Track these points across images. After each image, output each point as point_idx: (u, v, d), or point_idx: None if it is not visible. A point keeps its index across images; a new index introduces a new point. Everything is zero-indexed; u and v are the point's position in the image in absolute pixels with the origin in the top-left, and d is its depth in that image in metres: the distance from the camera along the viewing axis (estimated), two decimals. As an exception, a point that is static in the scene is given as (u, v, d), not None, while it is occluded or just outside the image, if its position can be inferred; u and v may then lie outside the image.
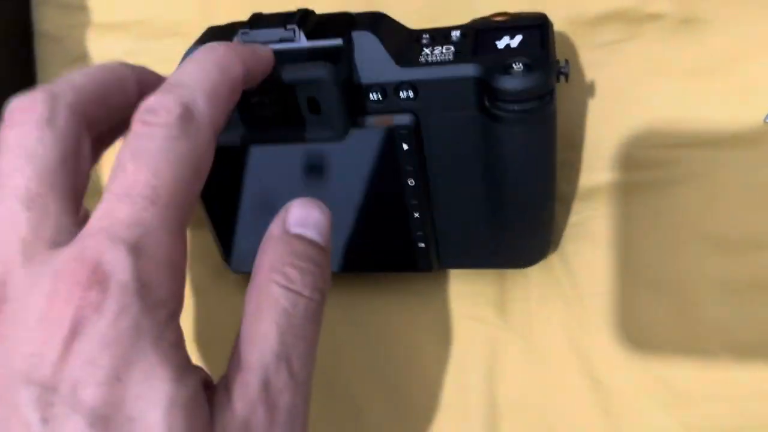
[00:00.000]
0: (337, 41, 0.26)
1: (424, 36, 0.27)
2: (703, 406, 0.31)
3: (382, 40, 0.26)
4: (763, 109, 0.33)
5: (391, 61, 0.26)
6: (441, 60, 0.26)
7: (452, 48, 0.26)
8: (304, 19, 0.26)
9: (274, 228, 0.23)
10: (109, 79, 0.23)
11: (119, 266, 0.18)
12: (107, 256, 0.18)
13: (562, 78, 0.27)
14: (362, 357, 0.34)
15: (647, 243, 0.33)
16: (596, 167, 0.34)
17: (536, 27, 0.27)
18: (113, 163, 0.20)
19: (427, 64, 0.26)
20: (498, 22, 0.27)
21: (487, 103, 0.26)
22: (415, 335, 0.34)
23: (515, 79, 0.25)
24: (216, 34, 0.28)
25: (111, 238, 0.18)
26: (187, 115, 0.20)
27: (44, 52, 0.39)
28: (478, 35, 0.27)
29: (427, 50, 0.27)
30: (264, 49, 0.25)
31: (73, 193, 0.21)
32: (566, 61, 0.27)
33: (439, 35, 0.27)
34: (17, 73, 0.39)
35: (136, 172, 0.19)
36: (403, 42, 0.27)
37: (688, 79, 0.33)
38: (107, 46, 0.38)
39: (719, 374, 0.32)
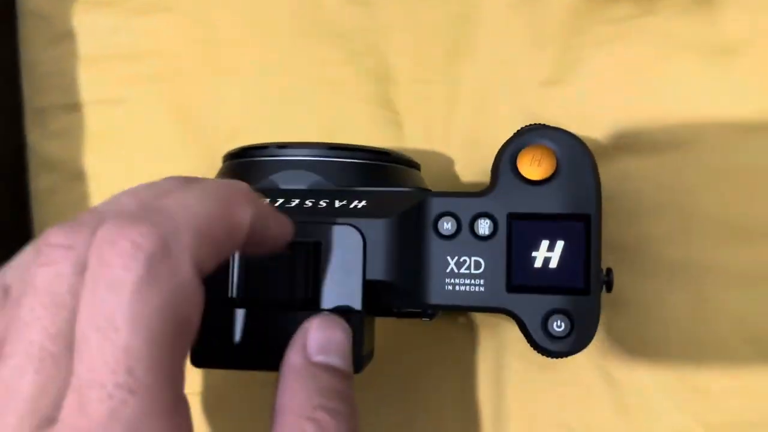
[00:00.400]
0: (355, 304, 0.23)
1: (444, 224, 0.24)
2: (722, 402, 0.30)
3: (399, 274, 0.24)
4: (784, 89, 0.31)
5: (413, 296, 0.24)
6: (471, 290, 0.24)
7: (482, 264, 0.24)
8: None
9: (294, 356, 0.20)
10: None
11: None
12: None
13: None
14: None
15: (660, 230, 0.31)
16: (606, 147, 0.32)
17: (580, 219, 0.24)
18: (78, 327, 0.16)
19: (455, 292, 0.24)
20: (533, 183, 0.24)
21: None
22: (422, 333, 0.32)
23: (556, 343, 0.24)
24: None
25: None
26: (160, 252, 0.16)
27: (28, 29, 0.37)
28: (512, 234, 0.24)
29: (452, 263, 0.24)
30: (282, 218, 0.22)
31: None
32: (609, 270, 0.25)
33: (465, 222, 0.24)
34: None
35: (101, 348, 0.15)
36: (419, 241, 0.24)
37: (701, 57, 0.32)
38: (93, 23, 0.37)
39: (738, 369, 0.30)
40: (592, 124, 0.32)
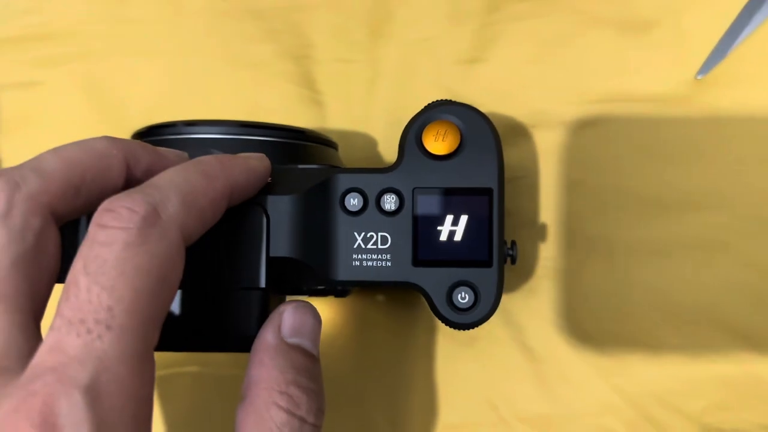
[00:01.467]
0: (259, 281, 0.23)
1: (351, 200, 0.25)
2: (640, 372, 0.31)
3: (305, 251, 0.24)
4: (696, 64, 0.32)
5: (321, 272, 0.24)
6: (378, 265, 0.25)
7: (389, 239, 0.25)
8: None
9: (269, 335, 0.22)
10: (87, 161, 0.20)
11: (75, 419, 0.16)
12: (59, 406, 0.16)
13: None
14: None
15: (578, 204, 0.32)
16: (523, 124, 0.32)
17: (483, 194, 0.25)
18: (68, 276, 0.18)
19: (362, 268, 0.24)
20: (437, 158, 0.25)
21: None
22: (338, 312, 0.32)
23: (461, 315, 0.25)
24: None
25: (62, 381, 0.16)
26: (151, 217, 0.18)
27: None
28: (417, 209, 0.25)
29: (359, 239, 0.25)
30: (256, 159, 0.23)
31: (31, 301, 0.19)
32: (513, 242, 0.26)
33: (372, 198, 0.25)
34: None
35: (89, 289, 0.17)
36: (327, 218, 0.25)
37: (619, 30, 0.32)
38: (3, 4, 0.35)
39: (655, 339, 0.31)
40: (509, 102, 0.32)
